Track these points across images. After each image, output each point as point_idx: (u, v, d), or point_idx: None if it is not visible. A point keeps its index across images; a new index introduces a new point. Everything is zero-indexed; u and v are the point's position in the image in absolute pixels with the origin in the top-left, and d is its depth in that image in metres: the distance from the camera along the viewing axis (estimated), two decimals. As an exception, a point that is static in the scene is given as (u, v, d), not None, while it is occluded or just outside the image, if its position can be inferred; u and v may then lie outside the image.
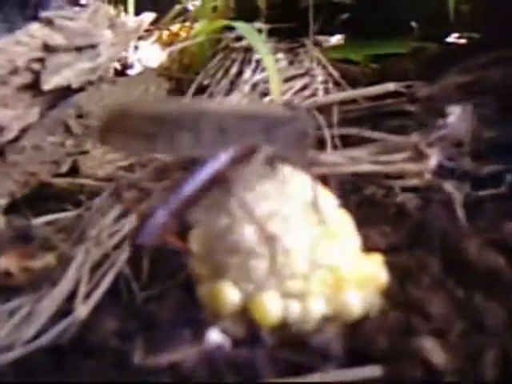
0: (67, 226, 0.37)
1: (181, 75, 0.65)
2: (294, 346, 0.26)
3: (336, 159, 0.32)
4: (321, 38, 0.65)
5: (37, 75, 0.47)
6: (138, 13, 0.74)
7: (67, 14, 0.54)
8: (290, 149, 0.28)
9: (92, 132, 0.45)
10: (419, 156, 0.31)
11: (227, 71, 0.54)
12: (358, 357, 0.24)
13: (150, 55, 0.72)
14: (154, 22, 0.73)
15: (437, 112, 0.38)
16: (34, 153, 0.45)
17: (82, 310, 0.29)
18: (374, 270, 0.28)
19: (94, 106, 0.51)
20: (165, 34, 0.76)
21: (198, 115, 0.26)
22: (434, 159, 0.31)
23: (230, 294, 0.26)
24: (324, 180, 0.30)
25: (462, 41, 0.58)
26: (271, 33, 0.59)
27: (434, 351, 0.23)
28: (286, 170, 0.28)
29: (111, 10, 0.66)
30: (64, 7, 0.63)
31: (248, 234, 0.26)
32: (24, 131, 0.46)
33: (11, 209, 0.41)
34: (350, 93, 0.45)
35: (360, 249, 0.29)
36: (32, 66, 0.47)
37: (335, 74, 0.49)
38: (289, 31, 0.60)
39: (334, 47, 0.64)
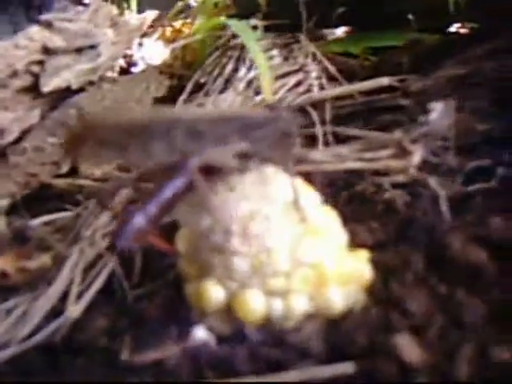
0: (64, 227, 0.38)
1: (183, 72, 0.65)
2: (276, 343, 0.26)
3: (322, 157, 0.33)
4: (326, 31, 0.65)
5: (36, 78, 0.48)
6: (140, 10, 0.75)
7: (67, 16, 0.55)
8: (272, 149, 0.28)
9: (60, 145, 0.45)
10: (403, 152, 0.32)
11: (223, 69, 0.54)
12: (338, 354, 0.25)
13: (153, 52, 0.72)
14: (157, 19, 0.74)
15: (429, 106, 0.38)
16: (35, 154, 0.46)
17: (73, 310, 0.30)
18: (359, 267, 0.28)
19: (95, 106, 0.51)
20: (168, 30, 0.76)
21: (170, 122, 0.26)
22: (417, 155, 0.31)
23: (215, 292, 0.27)
24: (309, 178, 0.31)
25: (464, 30, 0.57)
26: (269, 28, 0.59)
27: (409, 348, 0.23)
28: (269, 170, 0.29)
29: (114, 9, 0.66)
30: (68, 7, 0.64)
31: (228, 233, 0.26)
32: (25, 133, 0.47)
33: (11, 210, 0.42)
34: (343, 88, 0.45)
35: (347, 245, 0.29)
36: (32, 69, 0.48)
37: (331, 68, 0.49)
38: (287, 26, 0.60)
39: (335, 40, 0.64)
